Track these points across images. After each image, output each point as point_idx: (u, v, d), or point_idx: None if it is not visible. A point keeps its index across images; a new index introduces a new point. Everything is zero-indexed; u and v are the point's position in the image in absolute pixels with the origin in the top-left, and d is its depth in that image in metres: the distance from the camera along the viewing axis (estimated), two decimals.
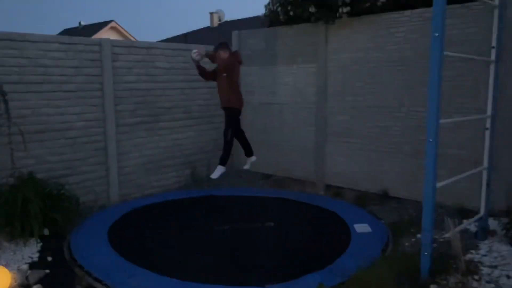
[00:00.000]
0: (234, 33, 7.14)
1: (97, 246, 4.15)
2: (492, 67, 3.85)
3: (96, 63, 5.42)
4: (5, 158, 4.54)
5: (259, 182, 6.73)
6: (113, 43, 5.60)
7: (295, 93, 6.42)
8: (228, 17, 21.06)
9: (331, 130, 6.07)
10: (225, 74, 5.04)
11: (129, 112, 5.83)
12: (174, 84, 6.33)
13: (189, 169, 6.67)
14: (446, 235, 3.67)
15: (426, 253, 3.23)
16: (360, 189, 5.83)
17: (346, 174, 5.98)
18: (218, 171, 5.16)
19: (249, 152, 5.61)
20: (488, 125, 3.93)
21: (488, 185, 4.03)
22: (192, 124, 6.66)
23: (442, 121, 3.23)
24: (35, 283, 3.43)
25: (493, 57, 3.83)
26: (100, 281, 3.44)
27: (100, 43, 5.45)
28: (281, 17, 6.29)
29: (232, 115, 5.18)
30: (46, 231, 4.38)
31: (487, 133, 3.95)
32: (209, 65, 5.33)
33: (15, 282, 3.40)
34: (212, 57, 5.11)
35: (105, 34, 24.09)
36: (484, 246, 3.94)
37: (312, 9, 5.73)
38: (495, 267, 3.49)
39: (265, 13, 6.87)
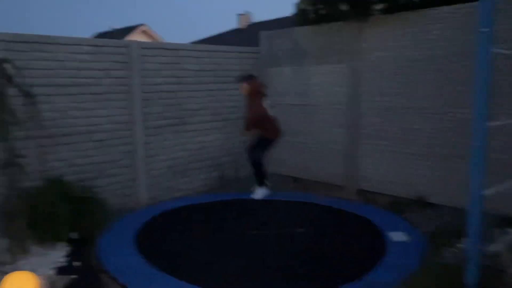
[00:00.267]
0: (262, 34, 7.00)
1: (124, 251, 4.09)
2: None
3: (124, 65, 5.39)
4: (34, 161, 4.55)
5: (288, 185, 6.55)
6: (141, 45, 5.56)
7: (325, 94, 6.22)
8: (256, 18, 20.98)
9: (363, 132, 5.83)
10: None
11: (157, 115, 5.78)
12: (202, 85, 6.25)
13: (217, 171, 6.57)
14: (494, 246, 3.39)
15: (473, 267, 2.98)
16: (394, 194, 5.56)
17: (379, 178, 5.72)
18: (259, 193, 4.89)
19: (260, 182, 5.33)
20: None
21: None
22: (220, 126, 6.55)
23: (490, 124, 2.96)
24: None
25: None
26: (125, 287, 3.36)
27: (128, 45, 5.42)
28: (311, 16, 6.11)
29: (261, 142, 4.98)
30: (74, 235, 4.37)
31: None
32: None
33: None
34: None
35: (135, 37, 24.46)
36: None
37: (344, 7, 5.51)
38: None
39: (294, 13, 6.70)
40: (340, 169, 6.13)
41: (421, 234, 4.40)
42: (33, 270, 3.70)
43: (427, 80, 5.10)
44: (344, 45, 5.88)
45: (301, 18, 6.50)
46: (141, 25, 26.93)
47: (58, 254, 4.07)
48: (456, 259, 3.78)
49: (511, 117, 4.26)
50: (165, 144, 5.92)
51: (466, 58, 4.71)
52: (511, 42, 4.31)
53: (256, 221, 4.94)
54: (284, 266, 3.78)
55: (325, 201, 5.60)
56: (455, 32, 4.83)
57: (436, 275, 3.30)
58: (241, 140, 6.83)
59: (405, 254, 3.94)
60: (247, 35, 17.92)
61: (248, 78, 5.59)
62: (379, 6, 5.32)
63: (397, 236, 4.31)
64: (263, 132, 5.10)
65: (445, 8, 4.92)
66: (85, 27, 58.10)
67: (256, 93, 5.46)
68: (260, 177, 4.86)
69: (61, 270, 3.76)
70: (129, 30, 26.62)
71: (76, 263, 3.92)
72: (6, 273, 3.52)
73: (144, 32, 26.71)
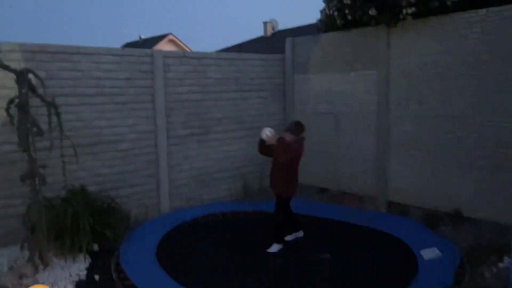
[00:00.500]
0: (288, 40, 6.85)
1: (145, 264, 3.99)
2: None
3: (148, 74, 5.35)
4: (57, 171, 4.52)
5: (315, 196, 6.33)
6: (164, 54, 5.51)
7: (353, 101, 5.99)
8: (282, 26, 20.84)
9: (394, 141, 5.56)
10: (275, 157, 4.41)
11: (180, 124, 5.70)
12: (226, 94, 6.14)
13: (240, 181, 6.43)
14: None
15: None
16: (428, 207, 5.26)
17: (411, 190, 5.43)
18: (274, 248, 4.38)
19: (294, 229, 4.76)
20: None
21: None
22: (244, 135, 6.42)
23: None
24: None
25: None
26: None
27: (152, 54, 5.38)
28: (338, 21, 5.92)
29: (280, 200, 4.50)
30: (95, 247, 4.30)
31: None
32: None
33: None
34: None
35: (163, 46, 24.81)
36: None
37: (372, 12, 5.30)
38: None
39: (320, 19, 6.52)
40: (369, 180, 5.88)
41: (457, 251, 4.10)
42: (53, 283, 3.65)
43: (466, 86, 4.80)
44: (373, 51, 5.66)
45: (327, 24, 6.31)
46: (169, 34, 27.30)
47: (79, 267, 4.01)
48: (498, 280, 3.50)
49: None
50: (189, 153, 5.83)
51: (510, 63, 4.42)
52: None
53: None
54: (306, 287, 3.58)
55: (353, 213, 5.35)
56: (495, 36, 4.54)
57: None
58: None
59: (440, 273, 3.66)
60: (272, 42, 17.82)
61: (297, 128, 4.49)
62: (409, 11, 5.07)
63: (429, 253, 4.03)
64: (282, 193, 4.48)
65: (481, 11, 4.64)
66: (115, 37, 59.61)
67: (297, 154, 4.50)
68: (279, 235, 4.45)
69: (81, 284, 3.69)
70: (157, 39, 27.01)
71: (96, 276, 3.84)
72: (26, 286, 3.49)
73: (172, 41, 27.05)
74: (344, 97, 6.09)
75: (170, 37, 27.15)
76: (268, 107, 6.68)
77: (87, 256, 4.17)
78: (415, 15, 5.08)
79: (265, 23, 20.77)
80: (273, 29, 20.78)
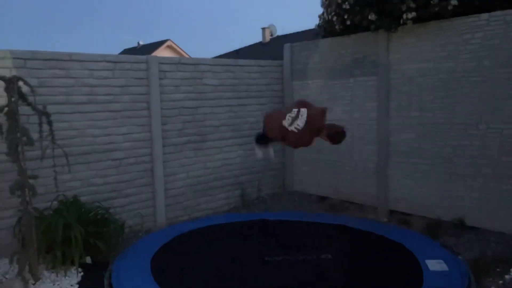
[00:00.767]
0: (286, 46, 6.75)
1: (139, 278, 3.84)
2: None
3: (143, 81, 5.24)
4: (49, 182, 4.40)
5: (314, 205, 6.20)
6: (160, 60, 5.39)
7: (352, 108, 5.88)
8: (280, 32, 20.80)
9: (395, 149, 5.45)
10: None
11: (177, 132, 5.58)
12: (223, 101, 6.03)
13: (238, 190, 6.30)
14: None
15: None
16: (431, 216, 5.13)
17: (414, 199, 5.31)
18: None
19: None
20: None
21: None
22: (242, 143, 6.30)
23: None
24: None
25: None
26: None
27: (147, 60, 5.27)
28: (336, 26, 5.81)
29: None
30: (88, 259, 4.16)
31: None
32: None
33: None
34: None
35: (161, 52, 24.75)
36: None
37: (371, 17, 5.20)
38: None
39: (319, 24, 6.43)
40: (370, 188, 5.75)
41: (462, 262, 3.97)
42: None
43: (469, 93, 4.69)
44: (373, 56, 5.56)
45: (326, 29, 6.22)
46: (167, 40, 27.26)
47: (71, 280, 3.87)
48: None
49: None
50: (185, 162, 5.71)
51: None
52: None
53: (280, 245, 4.60)
54: None
55: (354, 223, 5.21)
56: (498, 41, 4.44)
57: None
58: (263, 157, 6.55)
59: (445, 285, 3.53)
60: (270, 48, 17.77)
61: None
62: (409, 15, 4.97)
63: (435, 264, 3.89)
64: None
65: (484, 16, 4.55)
66: (114, 43, 59.59)
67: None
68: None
69: None
70: (155, 45, 26.97)
71: None
72: None
73: (170, 47, 27.00)
74: (343, 103, 5.98)
75: (169, 43, 27.12)
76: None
77: (80, 269, 4.03)
78: (415, 20, 4.98)
79: (263, 29, 20.75)
80: (271, 34, 20.75)
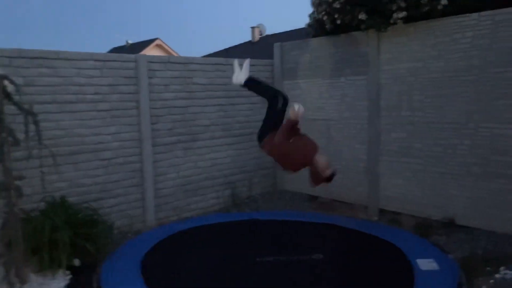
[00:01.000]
0: (276, 46, 6.72)
1: (129, 280, 3.78)
2: None
3: (131, 80, 5.16)
4: (36, 182, 4.32)
5: (304, 204, 6.18)
6: (149, 59, 5.32)
7: (343, 107, 5.87)
8: (269, 31, 20.78)
9: (385, 149, 5.45)
10: None
11: (166, 131, 5.52)
12: (213, 100, 5.98)
13: (229, 190, 6.26)
14: None
15: None
16: (421, 215, 5.16)
17: (404, 198, 5.32)
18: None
19: None
20: None
21: None
22: (232, 142, 6.26)
23: None
24: None
25: None
26: None
27: (136, 59, 5.19)
28: (327, 26, 5.80)
29: None
30: (76, 262, 4.08)
31: None
32: None
33: None
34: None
35: (150, 51, 24.54)
36: None
37: (362, 16, 5.20)
38: None
39: (309, 23, 6.41)
40: (361, 188, 5.76)
41: (453, 262, 3.98)
42: None
43: (459, 92, 4.71)
44: (363, 56, 5.56)
45: (316, 28, 6.20)
46: (156, 39, 27.06)
47: (58, 284, 3.79)
48: None
49: None
50: (175, 161, 5.65)
51: (503, 68, 4.35)
52: None
53: (271, 245, 4.58)
54: None
55: (344, 222, 5.20)
56: (487, 41, 4.47)
57: None
58: (253, 156, 6.53)
59: (436, 284, 3.53)
60: (260, 47, 17.73)
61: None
62: (399, 15, 4.98)
63: (426, 264, 3.90)
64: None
65: (474, 15, 4.57)
66: (102, 42, 58.97)
67: None
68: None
69: None
70: (144, 44, 26.75)
71: None
72: None
73: (159, 46, 26.81)
74: (334, 103, 5.97)
75: (158, 42, 26.93)
76: (257, 114, 6.51)
77: (67, 271, 3.96)
78: (405, 20, 4.99)
79: (252, 28, 20.70)
80: (260, 34, 20.72)
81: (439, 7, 4.77)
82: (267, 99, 4.27)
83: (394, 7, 4.96)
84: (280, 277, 3.86)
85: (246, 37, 29.00)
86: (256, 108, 6.50)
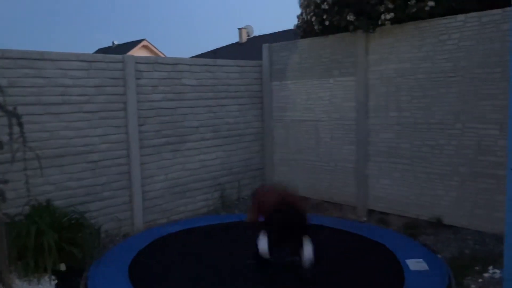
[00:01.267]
0: (264, 46, 6.71)
1: (116, 285, 3.72)
2: None
3: (119, 81, 5.09)
4: (20, 186, 4.23)
5: None
6: (136, 60, 5.26)
7: (332, 108, 5.89)
8: (257, 32, 20.81)
9: (374, 149, 5.48)
10: None
11: (154, 133, 5.46)
12: (202, 102, 5.93)
13: (218, 192, 6.22)
14: None
15: None
16: (409, 215, 5.19)
17: (392, 198, 5.35)
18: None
19: None
20: None
21: None
22: (221, 143, 6.22)
23: None
24: None
25: None
26: None
27: (123, 60, 5.12)
28: (315, 27, 5.81)
29: None
30: (62, 266, 4.00)
31: None
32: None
33: None
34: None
35: (137, 52, 24.38)
36: None
37: (350, 17, 5.22)
38: None
39: (297, 24, 6.41)
40: (349, 188, 5.78)
41: (443, 262, 4.00)
42: None
43: (446, 93, 4.75)
44: (351, 57, 5.58)
45: (305, 29, 6.20)
46: (143, 40, 26.88)
47: None
48: None
49: None
50: (163, 163, 5.59)
51: (489, 69, 4.40)
52: None
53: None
54: None
55: (333, 223, 5.20)
56: (473, 42, 4.51)
57: None
58: (243, 158, 6.51)
59: (426, 285, 3.55)
60: (247, 48, 17.74)
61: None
62: (387, 16, 5.01)
63: (416, 264, 3.92)
64: None
65: (460, 17, 4.62)
66: (87, 43, 58.32)
67: None
68: None
69: None
70: (130, 45, 26.56)
71: None
72: None
73: (146, 47, 26.66)
74: (322, 104, 5.98)
75: (144, 42, 26.79)
76: (245, 115, 6.52)
77: (53, 277, 3.87)
78: (393, 21, 5.02)
79: (240, 29, 20.71)
80: (248, 35, 20.74)
81: (426, 8, 4.80)
82: None
83: (382, 9, 4.99)
84: (270, 279, 3.83)
85: (233, 38, 28.98)
86: (244, 110, 6.49)
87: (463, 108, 4.64)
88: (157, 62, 5.52)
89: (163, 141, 5.55)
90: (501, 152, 4.36)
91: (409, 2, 4.86)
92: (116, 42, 29.64)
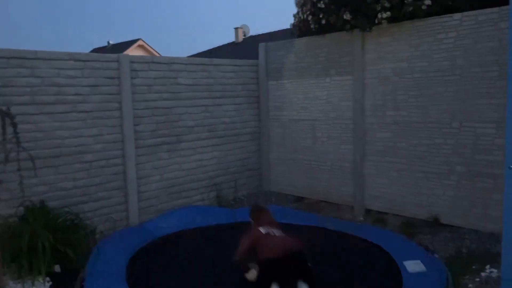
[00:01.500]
0: (261, 46, 6.68)
1: (112, 286, 3.68)
2: None
3: (114, 80, 5.05)
4: (14, 187, 4.18)
5: (291, 205, 6.15)
6: (131, 59, 5.21)
7: (328, 108, 5.86)
8: (253, 32, 20.78)
9: (370, 149, 5.46)
10: None
11: (150, 133, 5.42)
12: (198, 101, 5.90)
13: (214, 191, 6.19)
14: None
15: None
16: (406, 215, 5.17)
17: (389, 198, 5.34)
18: None
19: None
20: None
21: None
22: (217, 143, 6.19)
23: None
24: None
25: None
26: None
27: (118, 59, 5.08)
28: (312, 26, 5.79)
29: None
30: (57, 268, 3.96)
31: None
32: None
33: None
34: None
35: (132, 52, 24.30)
36: None
37: (347, 16, 5.19)
38: None
39: (294, 23, 6.39)
40: (346, 188, 5.76)
41: (440, 263, 3.97)
42: None
43: (443, 92, 4.74)
44: (348, 56, 5.56)
45: (301, 28, 6.18)
46: (138, 39, 26.79)
47: None
48: None
49: None
50: (159, 163, 5.54)
51: (486, 68, 4.39)
52: None
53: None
54: None
55: (330, 223, 5.17)
56: (470, 41, 4.50)
57: None
58: (239, 158, 6.48)
59: (424, 286, 3.52)
60: (243, 48, 17.69)
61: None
62: (384, 15, 4.99)
63: (413, 266, 3.88)
64: None
65: (457, 15, 4.60)
66: (83, 42, 58.10)
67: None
68: None
69: None
70: (126, 45, 26.47)
71: None
72: None
73: (141, 47, 26.57)
74: (319, 103, 5.96)
75: (140, 42, 26.69)
76: (242, 114, 6.49)
77: (48, 278, 3.83)
78: (390, 20, 5.00)
79: (236, 29, 20.65)
80: (244, 34, 20.68)
81: (423, 7, 4.79)
82: None
83: (379, 7, 4.97)
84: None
85: (229, 38, 28.94)
86: (240, 109, 6.46)
87: (460, 107, 4.63)
88: (152, 61, 5.47)
89: (158, 141, 5.51)
90: (498, 151, 4.36)
91: (405, 1, 4.84)
92: (111, 42, 29.53)
